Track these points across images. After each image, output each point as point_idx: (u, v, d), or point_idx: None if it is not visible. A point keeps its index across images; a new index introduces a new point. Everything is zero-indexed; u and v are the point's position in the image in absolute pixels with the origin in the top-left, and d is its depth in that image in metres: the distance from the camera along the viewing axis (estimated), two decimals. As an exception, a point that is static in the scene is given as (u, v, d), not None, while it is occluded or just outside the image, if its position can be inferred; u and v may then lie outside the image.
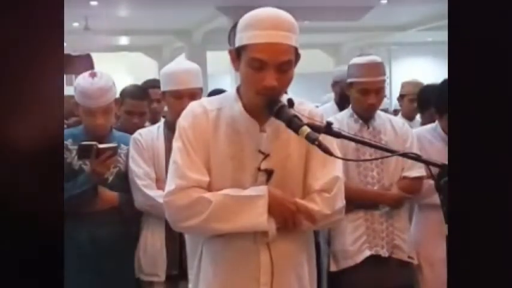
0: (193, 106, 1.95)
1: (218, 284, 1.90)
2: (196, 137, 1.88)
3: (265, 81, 1.77)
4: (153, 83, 3.73)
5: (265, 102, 1.80)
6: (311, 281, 1.99)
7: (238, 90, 1.93)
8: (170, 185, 1.88)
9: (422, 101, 4.04)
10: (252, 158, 1.88)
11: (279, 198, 1.84)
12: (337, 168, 1.93)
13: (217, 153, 1.88)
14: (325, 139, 1.77)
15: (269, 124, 1.88)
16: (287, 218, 1.86)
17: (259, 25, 1.77)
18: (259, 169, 1.87)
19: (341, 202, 1.93)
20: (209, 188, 1.87)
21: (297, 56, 1.84)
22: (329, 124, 1.78)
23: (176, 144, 1.90)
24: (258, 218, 1.82)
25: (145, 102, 3.48)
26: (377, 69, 2.90)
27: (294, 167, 1.91)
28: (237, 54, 1.83)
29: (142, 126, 3.31)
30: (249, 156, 1.88)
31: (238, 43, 1.82)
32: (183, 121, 1.92)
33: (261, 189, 1.85)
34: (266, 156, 1.87)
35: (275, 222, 1.84)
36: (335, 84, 4.68)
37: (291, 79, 1.83)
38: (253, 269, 1.87)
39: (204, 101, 2.01)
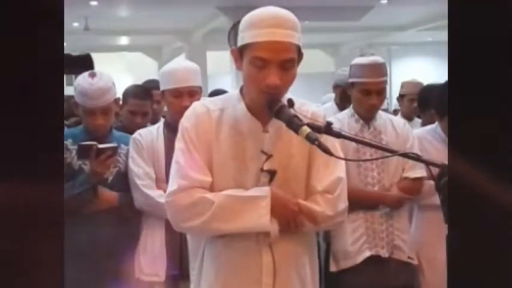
0: (195, 107, 1.95)
1: (220, 285, 1.90)
2: (199, 138, 1.88)
3: (268, 79, 1.76)
4: (153, 84, 3.73)
5: (267, 101, 1.80)
6: (313, 281, 1.99)
7: (241, 90, 1.93)
8: (172, 185, 1.87)
9: (422, 101, 4.03)
10: (255, 158, 1.87)
11: (281, 199, 1.84)
12: (339, 169, 1.93)
13: (219, 153, 1.88)
14: (327, 140, 1.76)
15: (272, 124, 1.87)
16: (289, 219, 1.85)
17: (262, 24, 1.77)
18: (262, 170, 1.87)
19: (344, 203, 1.93)
20: (211, 188, 1.86)
21: (300, 55, 1.84)
22: (329, 124, 1.78)
23: (179, 144, 1.90)
24: (261, 218, 1.82)
25: (148, 102, 3.48)
26: (379, 69, 2.90)
27: (297, 168, 1.91)
28: (240, 53, 1.83)
29: (145, 127, 3.31)
30: (252, 156, 1.87)
31: (240, 42, 1.82)
32: (185, 121, 1.92)
33: (264, 190, 1.84)
34: (269, 156, 1.87)
35: (277, 223, 1.84)
36: (336, 86, 4.70)
37: (293, 77, 1.83)
38: (255, 269, 1.87)
39: (207, 101, 2.00)
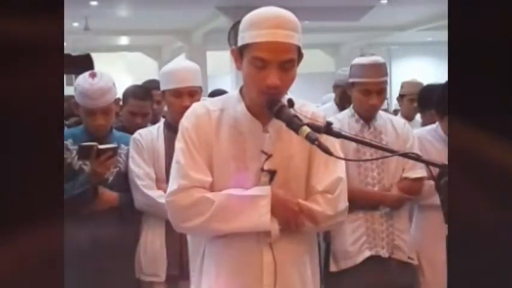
0: (195, 107, 1.95)
1: (221, 285, 1.89)
2: (199, 138, 1.88)
3: (268, 80, 1.76)
4: (153, 84, 3.73)
5: (267, 101, 1.80)
6: (314, 281, 1.99)
7: (241, 90, 1.93)
8: (172, 185, 1.87)
9: (422, 101, 4.03)
10: (255, 158, 1.87)
11: (281, 199, 1.84)
12: (339, 169, 1.93)
13: (219, 153, 1.88)
14: (328, 140, 1.76)
15: (272, 124, 1.87)
16: (290, 218, 1.85)
17: (262, 24, 1.77)
18: (262, 169, 1.87)
19: (344, 203, 1.93)
20: (212, 188, 1.86)
21: (300, 55, 1.83)
22: (329, 124, 1.78)
23: (179, 144, 1.90)
24: (261, 217, 1.82)
25: (148, 103, 3.48)
26: (379, 69, 2.90)
27: (297, 168, 1.91)
28: (240, 53, 1.83)
29: (145, 127, 3.31)
30: (252, 156, 1.87)
31: (240, 42, 1.82)
32: (185, 122, 1.92)
33: (264, 189, 1.84)
34: (269, 156, 1.87)
35: (278, 222, 1.84)
36: (336, 86, 4.70)
37: (293, 78, 1.83)
38: (256, 269, 1.87)
39: (207, 101, 2.01)
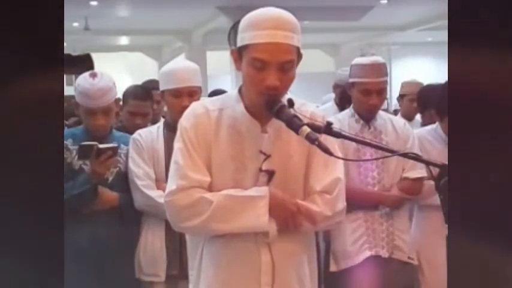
0: (194, 107, 1.95)
1: (219, 285, 1.90)
2: (198, 138, 1.88)
3: (267, 81, 1.77)
4: (153, 84, 3.72)
5: (266, 102, 1.80)
6: (312, 281, 1.99)
7: (240, 90, 1.93)
8: (171, 185, 1.88)
9: (422, 101, 4.03)
10: (254, 158, 1.87)
11: (279, 199, 1.84)
12: (338, 169, 1.93)
13: (218, 153, 1.88)
14: (326, 140, 1.77)
15: (271, 125, 1.87)
16: (288, 218, 1.85)
17: (261, 25, 1.77)
18: (260, 170, 1.87)
19: (342, 204, 1.93)
20: (210, 188, 1.87)
21: (299, 56, 1.84)
22: (329, 124, 1.78)
23: (177, 144, 1.90)
24: (259, 218, 1.82)
25: (148, 103, 3.47)
26: (379, 70, 2.90)
27: (296, 168, 1.91)
28: (239, 54, 1.83)
29: (145, 127, 3.31)
30: (251, 156, 1.88)
31: (240, 43, 1.82)
32: (184, 121, 1.92)
33: (262, 190, 1.84)
34: (267, 157, 1.87)
35: (276, 223, 1.84)
36: (336, 86, 4.70)
37: (293, 79, 1.83)
38: (254, 269, 1.87)
39: (206, 101, 2.01)
